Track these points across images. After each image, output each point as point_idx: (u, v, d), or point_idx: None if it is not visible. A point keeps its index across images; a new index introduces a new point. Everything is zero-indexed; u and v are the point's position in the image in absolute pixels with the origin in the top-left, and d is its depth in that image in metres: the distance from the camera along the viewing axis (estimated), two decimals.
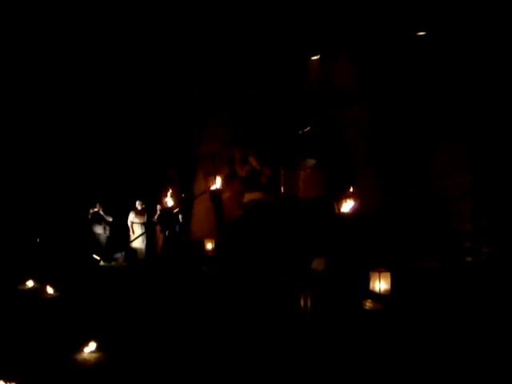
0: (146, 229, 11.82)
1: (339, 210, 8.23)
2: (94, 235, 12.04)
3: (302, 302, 6.27)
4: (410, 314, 6.14)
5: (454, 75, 8.02)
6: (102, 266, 11.21)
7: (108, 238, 12.17)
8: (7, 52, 11.35)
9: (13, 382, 4.71)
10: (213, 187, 10.39)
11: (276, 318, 6.37)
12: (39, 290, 8.63)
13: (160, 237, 11.63)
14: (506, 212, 7.25)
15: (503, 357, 4.97)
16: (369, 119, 9.14)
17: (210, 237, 10.55)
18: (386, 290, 6.78)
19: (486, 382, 4.69)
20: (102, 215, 12.03)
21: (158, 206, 11.80)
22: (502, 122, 7.42)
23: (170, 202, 11.21)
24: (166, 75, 11.54)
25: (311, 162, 7.33)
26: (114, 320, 6.71)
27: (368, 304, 6.68)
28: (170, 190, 11.32)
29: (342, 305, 6.43)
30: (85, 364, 5.41)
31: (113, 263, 11.62)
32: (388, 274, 6.81)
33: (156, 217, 11.69)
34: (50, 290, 8.47)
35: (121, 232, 12.20)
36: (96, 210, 12.09)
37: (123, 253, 12.01)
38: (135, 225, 11.95)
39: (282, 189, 8.97)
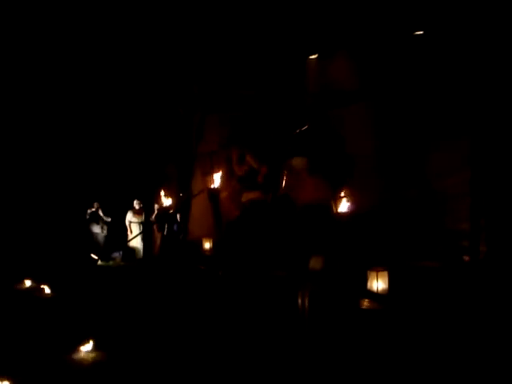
0: (143, 228, 11.80)
1: (337, 209, 8.23)
2: (92, 234, 12.02)
3: (299, 301, 6.26)
4: (407, 313, 6.13)
5: (452, 74, 8.02)
6: (99, 266, 11.18)
7: (106, 237, 12.15)
8: (7, 52, 11.33)
9: (10, 381, 4.70)
10: (211, 186, 10.37)
11: (274, 317, 6.36)
12: (36, 289, 8.61)
13: (158, 236, 11.61)
14: (503, 211, 7.25)
15: (502, 356, 4.96)
16: (368, 118, 9.14)
17: (207, 236, 10.54)
18: (383, 290, 6.78)
19: (485, 381, 4.69)
20: (100, 215, 12.01)
21: (156, 206, 11.79)
22: (500, 121, 7.42)
23: (167, 201, 11.19)
24: (164, 74, 11.53)
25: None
26: (111, 319, 6.70)
27: (366, 303, 6.68)
28: (168, 190, 11.31)
29: (340, 304, 6.43)
30: (82, 363, 5.39)
31: (110, 262, 11.59)
32: (386, 274, 6.81)
33: (154, 216, 11.67)
34: (46, 289, 8.45)
35: (118, 231, 12.17)
36: (94, 209, 12.07)
37: (121, 252, 11.99)
38: (133, 224, 11.92)
39: (282, 189, 8.96)
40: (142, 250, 11.85)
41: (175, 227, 11.45)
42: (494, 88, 7.45)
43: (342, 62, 9.50)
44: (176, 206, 11.31)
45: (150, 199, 11.92)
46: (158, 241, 11.60)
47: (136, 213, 11.95)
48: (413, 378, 4.82)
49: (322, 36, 9.41)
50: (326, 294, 6.51)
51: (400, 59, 8.70)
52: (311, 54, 10.03)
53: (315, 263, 7.03)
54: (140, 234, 11.63)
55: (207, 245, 10.36)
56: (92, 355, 5.56)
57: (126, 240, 11.79)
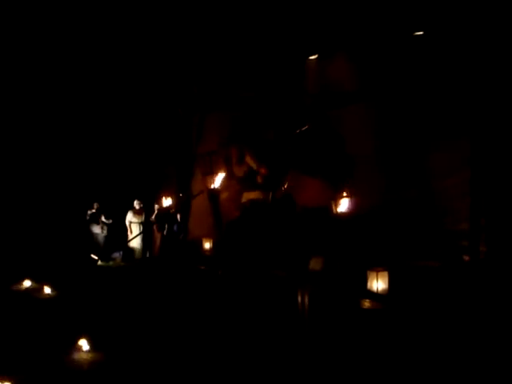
0: (143, 228, 11.80)
1: (337, 210, 8.23)
2: (92, 235, 12.03)
3: (299, 302, 6.27)
4: (407, 313, 6.14)
5: (452, 75, 8.02)
6: (99, 266, 11.19)
7: (106, 237, 12.15)
8: (7, 52, 11.33)
9: (9, 381, 4.70)
10: (211, 187, 10.37)
11: (274, 318, 6.37)
12: (36, 289, 8.61)
13: (158, 236, 11.61)
14: (504, 211, 7.25)
15: (502, 356, 4.97)
16: (367, 118, 9.14)
17: (207, 236, 10.54)
18: (383, 290, 6.79)
19: (485, 381, 4.69)
20: (102, 220, 12.00)
21: (156, 206, 11.79)
22: (500, 121, 7.42)
23: (167, 201, 11.19)
24: (164, 75, 11.53)
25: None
26: (111, 320, 6.70)
27: (366, 303, 6.68)
28: (168, 190, 11.31)
29: (340, 304, 6.43)
30: (81, 364, 5.39)
31: (110, 263, 11.60)
32: (386, 274, 6.81)
33: (154, 216, 11.67)
34: (46, 289, 8.45)
35: (119, 232, 12.17)
36: (94, 210, 12.07)
37: (121, 252, 11.99)
38: (133, 224, 11.92)
39: (284, 190, 8.96)
40: (141, 251, 11.85)
41: (175, 227, 11.46)
42: (494, 88, 7.45)
43: (341, 63, 9.50)
44: (176, 206, 11.31)
45: (151, 199, 11.92)
46: (158, 241, 11.61)
47: (136, 213, 11.95)
48: (413, 378, 4.82)
49: (322, 37, 9.41)
50: (326, 294, 6.51)
51: (400, 60, 8.70)
52: (311, 55, 10.03)
53: (315, 264, 7.04)
54: (140, 234, 11.63)
55: (207, 245, 10.37)
56: (91, 355, 5.57)
57: (126, 240, 11.79)
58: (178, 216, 11.46)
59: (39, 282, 8.77)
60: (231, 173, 10.17)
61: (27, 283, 8.95)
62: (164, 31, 10.75)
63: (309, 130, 8.74)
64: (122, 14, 10.77)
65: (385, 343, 5.49)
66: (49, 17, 10.99)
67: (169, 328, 6.34)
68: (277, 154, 9.27)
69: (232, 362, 5.27)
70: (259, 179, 9.33)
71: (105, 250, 11.81)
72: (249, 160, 9.53)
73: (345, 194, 8.38)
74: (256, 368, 5.12)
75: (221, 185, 10.12)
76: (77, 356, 5.56)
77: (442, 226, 7.97)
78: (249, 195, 9.61)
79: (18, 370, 5.03)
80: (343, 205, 8.26)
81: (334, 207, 8.32)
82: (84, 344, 5.68)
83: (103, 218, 11.95)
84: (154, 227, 11.63)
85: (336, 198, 8.38)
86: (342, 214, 8.26)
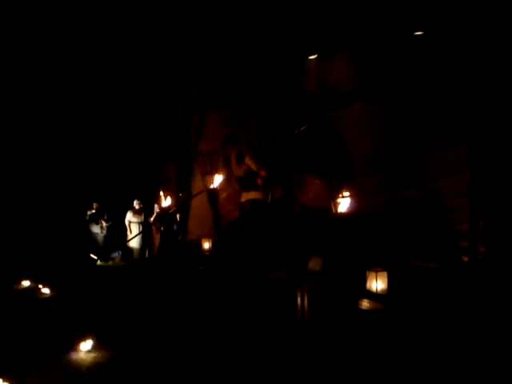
0: (143, 228, 11.81)
1: (336, 210, 8.23)
2: (91, 234, 12.03)
3: (298, 302, 6.26)
4: (406, 313, 6.13)
5: (452, 75, 8.01)
6: (98, 266, 11.19)
7: (105, 237, 12.15)
8: (7, 52, 11.33)
9: (9, 381, 4.70)
10: (210, 187, 10.37)
11: (272, 318, 6.37)
12: (35, 289, 8.61)
13: (157, 236, 11.62)
14: (503, 212, 7.25)
15: (501, 357, 4.97)
16: (367, 118, 9.14)
17: (207, 236, 10.53)
18: (382, 290, 6.77)
19: (485, 381, 4.69)
20: (100, 217, 12.00)
21: (156, 206, 11.80)
22: (500, 122, 7.42)
23: (166, 201, 11.19)
24: (163, 74, 11.53)
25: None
26: (110, 319, 6.70)
27: (365, 303, 6.67)
28: (167, 190, 11.31)
29: (339, 304, 6.43)
30: (80, 363, 5.39)
31: (110, 262, 11.60)
32: (385, 274, 6.79)
33: (153, 218, 11.65)
34: (45, 289, 8.45)
35: (118, 231, 12.18)
36: (93, 211, 12.07)
37: (120, 252, 12.00)
38: (132, 224, 11.93)
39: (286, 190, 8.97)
40: (141, 250, 11.86)
41: (174, 227, 11.47)
42: (494, 89, 7.44)
43: (341, 63, 9.50)
44: (175, 205, 11.31)
45: (150, 199, 11.93)
46: (157, 241, 11.61)
47: (136, 213, 11.96)
48: (413, 378, 4.83)
49: (322, 36, 9.41)
50: (325, 295, 6.51)
51: (400, 60, 8.70)
52: (310, 55, 10.04)
53: (314, 264, 7.04)
54: (139, 234, 11.64)
55: (206, 245, 10.36)
56: (91, 355, 5.57)
57: (125, 240, 11.80)
58: (178, 216, 11.47)
59: (38, 281, 8.77)
60: (231, 173, 10.17)
61: (26, 283, 8.95)
62: (164, 31, 10.75)
63: (308, 130, 8.74)
64: (122, 13, 10.77)
65: (384, 343, 5.49)
66: (49, 17, 10.99)
67: (168, 328, 6.34)
68: (276, 155, 9.27)
69: (231, 363, 5.27)
70: (259, 181, 9.34)
71: (104, 250, 11.83)
72: (248, 161, 9.53)
73: (345, 193, 8.39)
74: (255, 368, 5.12)
75: (220, 185, 10.12)
76: (76, 356, 5.56)
77: (441, 226, 7.97)
78: (248, 195, 9.61)
79: (16, 371, 5.03)
80: (343, 205, 8.27)
81: (333, 207, 8.33)
82: (83, 344, 5.68)
83: (104, 223, 11.96)
84: (154, 227, 11.64)
85: (335, 198, 8.39)
86: (342, 214, 8.27)
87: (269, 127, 10.10)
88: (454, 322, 5.74)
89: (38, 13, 10.96)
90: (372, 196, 8.66)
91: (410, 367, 4.96)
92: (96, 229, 11.94)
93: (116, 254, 11.99)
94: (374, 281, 6.77)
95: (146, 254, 11.64)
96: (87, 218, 12.01)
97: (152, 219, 11.61)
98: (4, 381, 4.69)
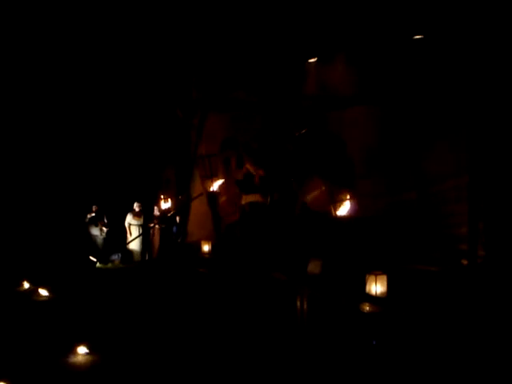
0: (142, 231, 11.80)
1: (336, 212, 8.25)
2: (91, 237, 12.01)
3: (298, 305, 6.27)
4: (406, 316, 6.14)
5: (451, 78, 8.03)
6: (98, 268, 11.18)
7: (104, 239, 12.14)
8: (7, 52, 11.34)
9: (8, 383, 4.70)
10: (210, 189, 10.38)
11: (272, 321, 6.36)
12: (34, 291, 8.60)
13: (156, 239, 11.61)
14: (502, 215, 7.26)
15: (500, 359, 4.97)
16: (367, 121, 9.16)
17: (206, 239, 10.53)
18: (382, 293, 6.78)
19: (485, 382, 4.70)
20: (100, 220, 11.99)
21: (156, 208, 11.79)
22: (498, 125, 7.43)
23: (166, 204, 11.19)
24: (163, 77, 11.54)
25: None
26: (109, 322, 6.70)
27: (364, 307, 6.67)
28: (167, 193, 11.31)
29: (339, 307, 6.43)
30: (78, 366, 5.39)
31: (109, 265, 11.59)
32: (384, 277, 6.80)
33: (155, 223, 11.63)
34: (45, 291, 8.44)
35: (117, 234, 12.17)
36: (93, 214, 12.06)
37: (119, 254, 11.98)
38: (132, 227, 11.92)
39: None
40: (140, 253, 11.84)
41: (174, 229, 11.46)
42: (493, 92, 7.46)
43: (341, 66, 9.52)
44: (175, 208, 11.31)
45: (150, 202, 11.92)
46: (157, 243, 11.60)
47: (136, 215, 11.95)
48: (412, 381, 4.83)
49: (322, 40, 9.44)
50: (325, 298, 6.51)
51: (399, 63, 8.72)
52: (310, 58, 10.05)
53: (314, 267, 7.05)
54: (139, 236, 11.63)
55: (206, 247, 10.35)
56: (89, 358, 5.57)
57: (124, 242, 11.79)
58: (177, 218, 11.46)
59: (38, 284, 8.76)
60: (230, 176, 10.19)
61: (26, 285, 8.94)
62: (164, 34, 10.77)
63: (308, 133, 8.76)
64: (123, 16, 10.79)
65: (383, 346, 5.49)
66: (49, 17, 11.01)
67: (167, 331, 6.34)
68: (276, 157, 9.29)
69: (231, 366, 5.27)
70: (256, 179, 9.35)
71: (103, 252, 11.80)
72: (249, 167, 9.57)
73: (345, 196, 8.41)
74: (255, 371, 5.12)
75: (220, 187, 10.13)
76: (75, 358, 5.55)
77: (441, 230, 7.98)
78: (248, 198, 9.63)
79: (15, 372, 5.02)
80: (343, 208, 8.28)
81: (333, 210, 8.34)
82: (82, 347, 5.67)
83: (104, 228, 11.95)
84: (153, 230, 11.63)
85: (335, 201, 8.40)
86: (342, 216, 8.28)
87: (269, 130, 10.12)
88: (453, 325, 5.75)
89: (38, 14, 10.98)
90: (372, 199, 8.67)
91: (410, 369, 4.96)
92: (95, 231, 11.93)
93: (115, 257, 11.97)
94: (374, 284, 6.78)
95: (146, 257, 11.63)
96: (87, 220, 12.00)
97: (152, 225, 11.61)
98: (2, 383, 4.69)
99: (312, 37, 9.43)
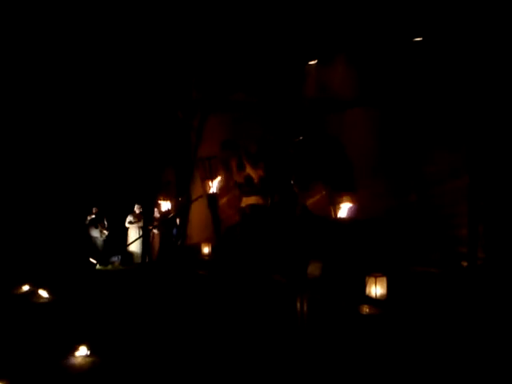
0: (142, 233, 11.79)
1: (336, 215, 8.25)
2: (91, 238, 12.01)
3: (298, 307, 6.27)
4: (406, 318, 6.14)
5: (451, 80, 8.05)
6: (98, 270, 11.17)
7: (104, 241, 12.14)
8: (8, 52, 11.36)
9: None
10: (210, 191, 10.37)
11: (272, 323, 6.36)
12: (34, 293, 8.59)
13: (156, 241, 11.61)
14: (502, 217, 7.27)
15: (500, 360, 4.97)
16: (367, 123, 9.17)
17: (206, 241, 10.53)
18: (382, 295, 6.79)
19: (485, 382, 4.70)
20: (100, 223, 11.99)
21: (156, 210, 11.79)
22: (498, 128, 7.45)
23: (166, 205, 11.19)
24: (164, 78, 11.55)
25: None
26: (109, 324, 6.69)
27: (364, 309, 6.68)
28: (167, 194, 11.30)
29: (339, 309, 6.43)
30: (78, 368, 5.39)
31: (109, 267, 11.58)
32: (384, 279, 6.81)
33: (155, 227, 11.63)
34: (45, 293, 8.44)
35: (117, 236, 12.17)
36: (94, 216, 12.07)
37: (119, 256, 11.98)
38: (132, 228, 11.93)
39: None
40: (140, 255, 11.84)
41: (174, 231, 11.45)
42: (492, 94, 7.48)
43: (341, 68, 9.54)
44: (175, 210, 11.31)
45: (150, 204, 11.92)
46: (157, 245, 11.60)
47: (136, 217, 11.96)
48: (412, 382, 4.83)
49: (322, 42, 9.46)
50: (325, 300, 6.52)
51: (399, 65, 8.74)
52: (310, 60, 10.08)
53: (314, 269, 7.04)
54: (139, 238, 11.64)
55: (206, 249, 10.36)
56: (89, 360, 5.57)
57: (124, 244, 11.80)
58: (177, 220, 11.46)
59: (38, 286, 8.76)
60: (230, 178, 10.19)
61: (26, 287, 8.94)
62: (164, 35, 10.79)
63: (306, 137, 8.77)
64: (123, 17, 10.81)
65: (383, 348, 5.49)
66: (49, 18, 11.03)
67: (167, 332, 6.33)
68: (276, 158, 9.30)
69: (231, 367, 5.27)
70: (255, 179, 9.35)
71: (103, 254, 11.81)
72: (249, 170, 9.58)
73: (345, 199, 8.41)
74: (255, 373, 5.12)
75: (220, 189, 10.13)
76: (74, 360, 5.55)
77: (441, 232, 7.99)
78: (248, 200, 9.63)
79: (15, 373, 5.03)
80: (343, 210, 8.28)
81: (333, 212, 8.34)
82: (82, 348, 5.67)
83: (104, 231, 11.95)
84: (153, 232, 11.63)
85: (335, 204, 8.40)
86: (342, 219, 8.28)
87: (269, 131, 10.12)
88: (453, 326, 5.75)
89: (39, 15, 11.00)
90: (371, 201, 8.67)
91: (410, 371, 4.97)
92: (96, 233, 11.93)
93: (115, 259, 11.97)
94: (374, 286, 6.78)
95: (146, 259, 11.62)
96: (87, 222, 12.00)
97: (155, 227, 11.61)
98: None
99: (312, 39, 9.46)
